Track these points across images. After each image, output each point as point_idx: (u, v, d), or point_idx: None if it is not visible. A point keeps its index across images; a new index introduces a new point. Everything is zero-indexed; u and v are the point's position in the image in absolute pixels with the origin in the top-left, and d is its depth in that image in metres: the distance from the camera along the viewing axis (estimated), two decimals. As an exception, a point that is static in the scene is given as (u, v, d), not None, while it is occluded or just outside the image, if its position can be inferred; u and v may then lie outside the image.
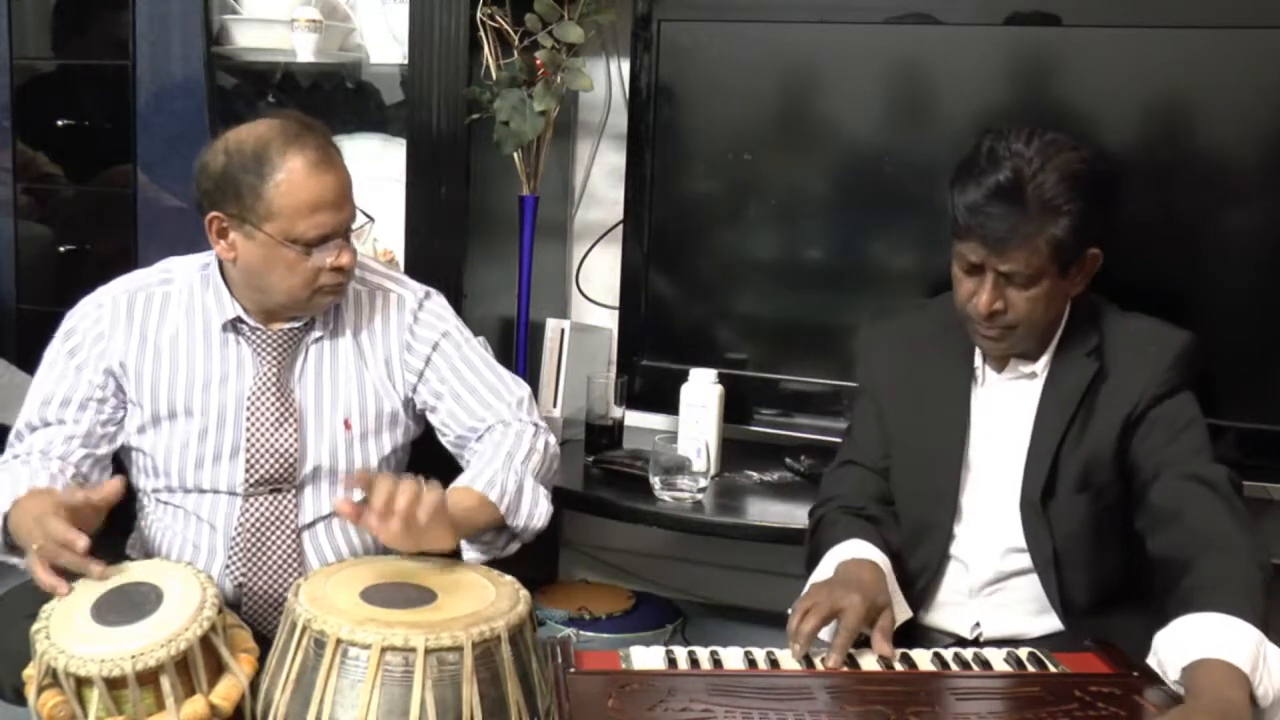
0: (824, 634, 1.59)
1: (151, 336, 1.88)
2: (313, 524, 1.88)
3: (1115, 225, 1.84)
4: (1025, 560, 1.78)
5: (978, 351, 1.82)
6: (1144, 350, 1.75)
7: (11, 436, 1.88)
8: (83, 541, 1.56)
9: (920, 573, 1.83)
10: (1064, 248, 1.67)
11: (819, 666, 1.55)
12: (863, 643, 1.60)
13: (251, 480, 1.85)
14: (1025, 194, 1.65)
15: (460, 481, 1.82)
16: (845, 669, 1.54)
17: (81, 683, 1.45)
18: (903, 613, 1.71)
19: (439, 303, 2.00)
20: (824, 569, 1.72)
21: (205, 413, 1.86)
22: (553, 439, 1.97)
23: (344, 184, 1.81)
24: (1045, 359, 1.79)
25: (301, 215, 1.76)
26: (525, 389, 1.99)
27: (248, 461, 1.85)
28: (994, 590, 1.81)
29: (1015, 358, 1.80)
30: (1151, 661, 1.50)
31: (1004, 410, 1.81)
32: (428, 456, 2.01)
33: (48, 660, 1.46)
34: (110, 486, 1.67)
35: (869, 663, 1.57)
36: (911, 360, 1.88)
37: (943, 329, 1.84)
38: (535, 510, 1.85)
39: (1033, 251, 1.66)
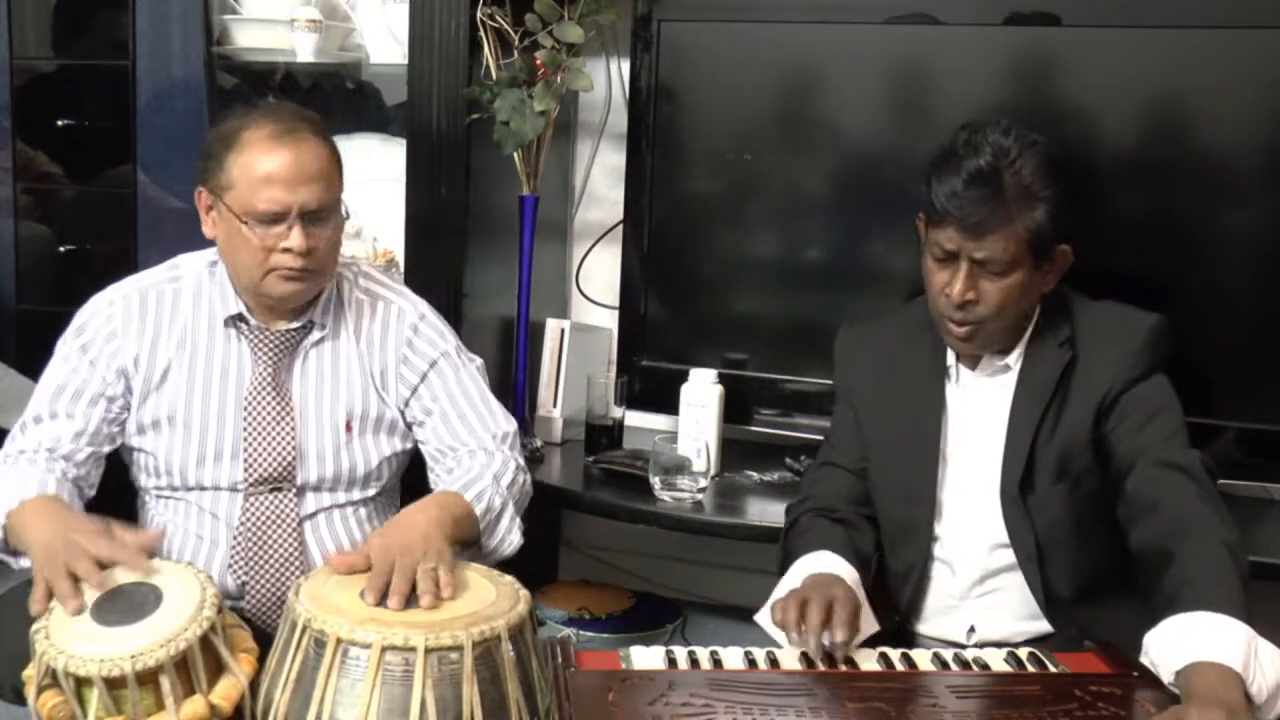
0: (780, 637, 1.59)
1: (163, 335, 1.88)
2: (314, 514, 1.89)
3: (1088, 226, 1.85)
4: (1011, 555, 1.78)
5: (950, 349, 1.83)
6: (1114, 334, 1.76)
7: (16, 429, 1.88)
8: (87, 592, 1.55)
9: (906, 574, 1.84)
10: (1039, 237, 1.68)
11: (819, 666, 1.55)
12: (866, 643, 1.60)
13: (251, 479, 1.85)
14: (1004, 179, 1.67)
15: (451, 486, 1.82)
16: (845, 669, 1.54)
17: (81, 683, 1.45)
18: (870, 625, 1.66)
19: (438, 320, 1.99)
20: (792, 578, 1.70)
21: (205, 411, 1.86)
22: (529, 479, 1.97)
23: (305, 164, 1.77)
24: (1018, 352, 1.79)
25: (255, 187, 1.75)
26: (513, 425, 1.99)
27: (246, 460, 1.85)
28: (983, 591, 1.82)
29: (988, 354, 1.80)
30: (1144, 661, 1.51)
31: (979, 405, 1.82)
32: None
33: (47, 660, 1.46)
34: (154, 534, 1.71)
35: (869, 663, 1.57)
36: (887, 362, 1.89)
37: (917, 330, 1.85)
38: (509, 537, 1.86)
39: (1009, 237, 1.67)
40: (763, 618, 1.69)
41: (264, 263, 1.79)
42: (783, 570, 1.78)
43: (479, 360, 2.02)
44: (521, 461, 1.96)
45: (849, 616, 1.56)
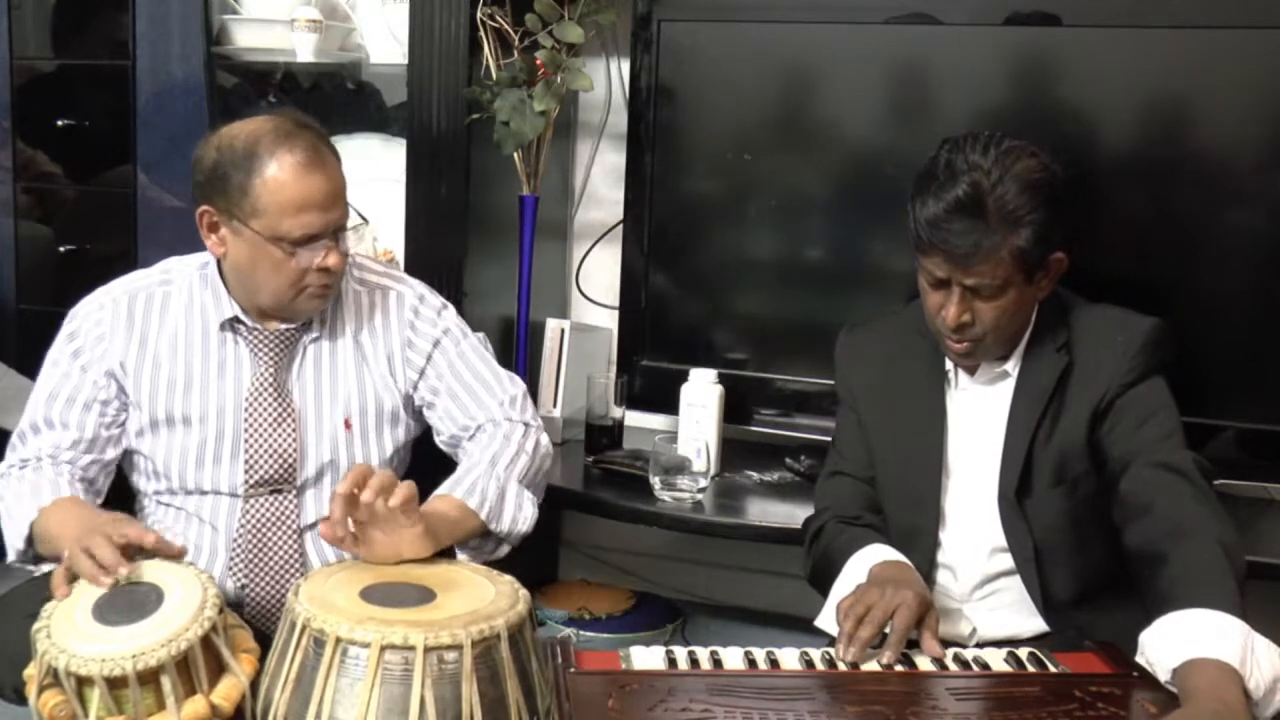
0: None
1: (152, 338, 1.87)
2: (314, 525, 1.88)
3: (1082, 227, 1.84)
4: (1010, 560, 1.78)
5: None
6: (1111, 339, 1.75)
7: (15, 438, 1.88)
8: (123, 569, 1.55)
9: None
10: (1028, 257, 1.66)
11: (819, 666, 1.55)
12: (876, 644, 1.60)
13: (251, 481, 1.85)
14: (986, 207, 1.64)
15: (443, 489, 1.82)
16: (844, 669, 1.54)
17: (82, 682, 1.45)
18: (932, 618, 1.65)
19: (437, 299, 2.00)
20: (853, 574, 1.70)
21: (204, 414, 1.86)
22: (544, 437, 1.96)
23: (333, 185, 1.78)
24: (1016, 357, 1.79)
25: (287, 214, 1.74)
26: (520, 386, 1.99)
27: (247, 462, 1.85)
28: (984, 593, 1.82)
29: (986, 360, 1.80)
30: (1140, 660, 1.51)
31: (978, 411, 1.82)
32: (429, 457, 2.01)
33: (48, 660, 1.46)
34: (179, 547, 1.65)
35: (869, 664, 1.56)
36: (886, 367, 1.88)
37: (916, 335, 1.85)
38: (519, 515, 1.85)
39: (997, 264, 1.65)
40: (825, 620, 1.69)
41: (298, 283, 1.79)
42: (818, 577, 1.79)
43: (480, 334, 2.03)
44: (533, 421, 1.96)
45: (904, 635, 1.55)
